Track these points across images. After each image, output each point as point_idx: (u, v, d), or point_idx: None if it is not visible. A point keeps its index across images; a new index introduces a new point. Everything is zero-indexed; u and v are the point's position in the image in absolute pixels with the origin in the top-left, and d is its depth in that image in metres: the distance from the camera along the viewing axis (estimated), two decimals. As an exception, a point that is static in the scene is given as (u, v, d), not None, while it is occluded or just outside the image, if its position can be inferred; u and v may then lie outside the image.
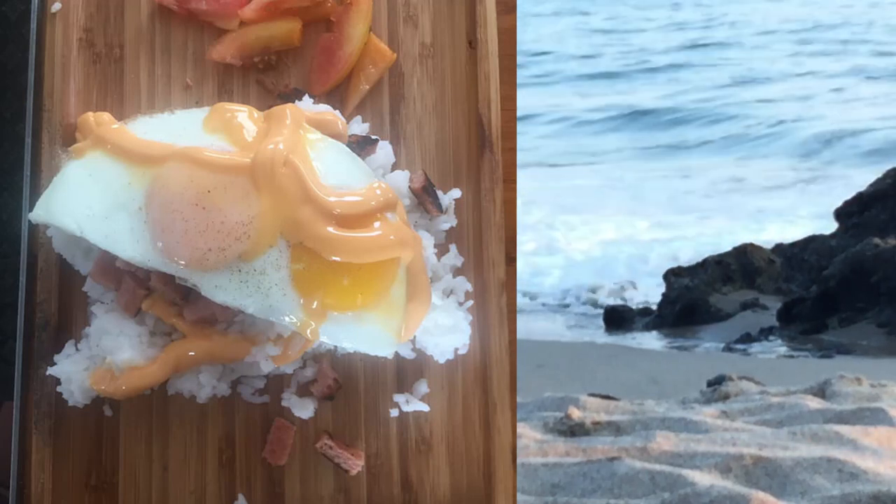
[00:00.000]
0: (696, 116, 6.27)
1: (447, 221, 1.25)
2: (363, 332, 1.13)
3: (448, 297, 1.24)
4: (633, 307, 4.12)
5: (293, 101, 1.22)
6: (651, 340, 3.66)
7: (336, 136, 1.20)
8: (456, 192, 1.26)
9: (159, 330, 1.16)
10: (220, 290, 1.09)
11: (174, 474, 1.23)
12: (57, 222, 1.12)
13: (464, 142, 1.28)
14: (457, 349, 1.21)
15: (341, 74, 1.27)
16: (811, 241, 4.07)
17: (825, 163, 5.50)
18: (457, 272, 1.25)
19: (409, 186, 1.22)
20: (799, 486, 1.30)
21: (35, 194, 1.22)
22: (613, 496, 1.30)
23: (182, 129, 1.16)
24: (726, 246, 4.18)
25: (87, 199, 1.12)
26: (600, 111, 6.49)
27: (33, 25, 1.28)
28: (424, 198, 1.22)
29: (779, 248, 4.16)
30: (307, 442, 1.23)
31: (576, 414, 1.63)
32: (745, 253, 4.02)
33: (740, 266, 3.98)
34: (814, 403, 1.72)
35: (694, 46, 7.61)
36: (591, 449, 1.45)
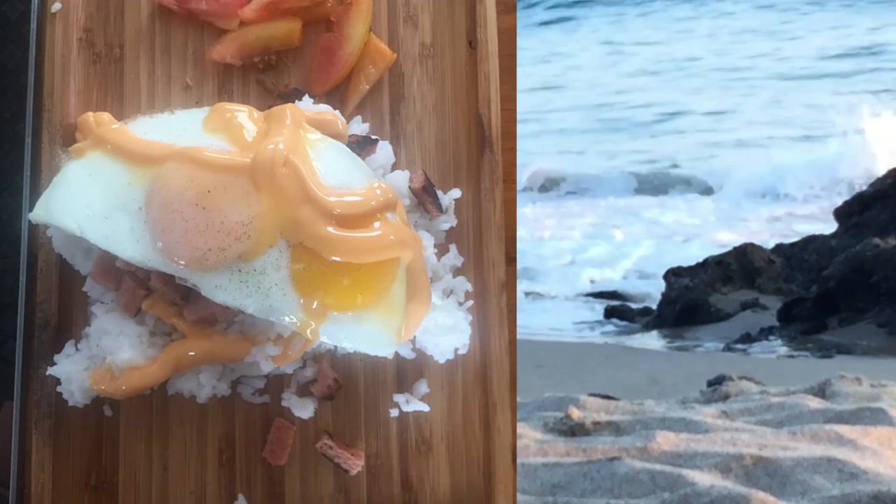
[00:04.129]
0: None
1: (447, 221, 1.25)
2: (363, 332, 1.13)
3: (448, 297, 1.24)
4: (633, 307, 4.12)
5: (293, 101, 1.22)
6: (651, 340, 3.65)
7: (336, 136, 1.20)
8: (456, 192, 1.26)
9: (159, 330, 1.16)
10: (220, 290, 1.09)
11: (174, 474, 1.23)
12: (57, 222, 1.12)
13: (464, 142, 1.28)
14: (457, 349, 1.21)
15: (341, 74, 1.27)
16: (811, 241, 4.07)
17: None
18: (457, 272, 1.25)
19: (409, 186, 1.22)
20: (799, 486, 1.30)
21: (35, 194, 1.22)
22: (613, 496, 1.30)
23: (182, 129, 1.16)
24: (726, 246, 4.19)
25: (87, 199, 1.12)
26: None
27: (33, 25, 1.28)
28: (424, 198, 1.22)
29: (779, 248, 4.15)
30: (307, 442, 1.23)
31: (576, 414, 1.63)
32: (745, 253, 4.01)
33: (740, 266, 3.97)
34: (814, 403, 1.72)
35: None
36: (592, 449, 1.45)
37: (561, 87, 7.37)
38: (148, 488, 1.23)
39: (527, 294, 4.34)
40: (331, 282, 1.11)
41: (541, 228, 5.19)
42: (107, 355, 1.13)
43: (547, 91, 7.20)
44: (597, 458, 1.40)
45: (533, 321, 4.01)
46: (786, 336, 3.45)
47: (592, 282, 4.52)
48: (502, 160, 1.26)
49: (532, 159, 5.81)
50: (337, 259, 1.10)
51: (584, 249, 4.85)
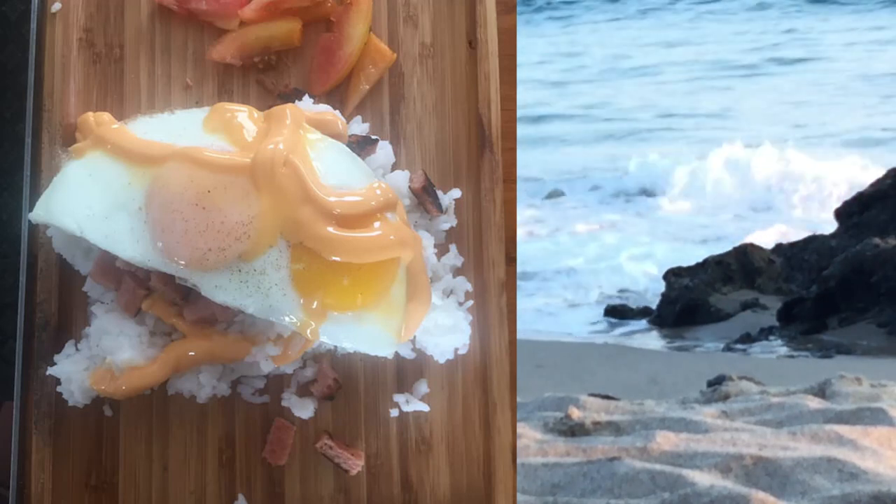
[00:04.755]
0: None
1: (447, 221, 1.25)
2: (363, 332, 1.13)
3: (448, 297, 1.24)
4: (633, 307, 4.12)
5: (293, 101, 1.22)
6: (651, 340, 3.65)
7: (336, 136, 1.20)
8: (456, 192, 1.26)
9: (159, 330, 1.16)
10: (220, 290, 1.09)
11: (174, 474, 1.23)
12: (57, 222, 1.13)
13: (464, 142, 1.28)
14: (457, 349, 1.21)
15: (341, 74, 1.27)
16: (811, 241, 4.07)
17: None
18: (457, 272, 1.25)
19: (409, 186, 1.22)
20: (799, 486, 1.30)
21: (35, 194, 1.23)
22: (613, 496, 1.30)
23: (182, 129, 1.16)
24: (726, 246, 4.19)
25: (87, 199, 1.12)
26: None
27: (33, 25, 1.28)
28: (424, 198, 1.22)
29: (779, 248, 4.15)
30: (307, 442, 1.23)
31: (576, 414, 1.63)
32: (745, 253, 4.02)
33: (740, 266, 3.97)
34: (814, 403, 1.72)
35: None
36: (591, 449, 1.45)
37: (561, 86, 7.41)
38: (148, 488, 1.23)
39: (568, 303, 4.36)
40: (331, 282, 1.11)
41: (548, 232, 5.22)
42: (107, 355, 1.13)
43: (545, 90, 7.23)
44: (597, 458, 1.40)
45: (549, 324, 4.05)
46: (786, 336, 3.45)
47: (601, 287, 4.52)
48: (502, 160, 1.26)
49: (531, 165, 5.85)
50: (337, 259, 1.10)
51: (590, 253, 4.86)
